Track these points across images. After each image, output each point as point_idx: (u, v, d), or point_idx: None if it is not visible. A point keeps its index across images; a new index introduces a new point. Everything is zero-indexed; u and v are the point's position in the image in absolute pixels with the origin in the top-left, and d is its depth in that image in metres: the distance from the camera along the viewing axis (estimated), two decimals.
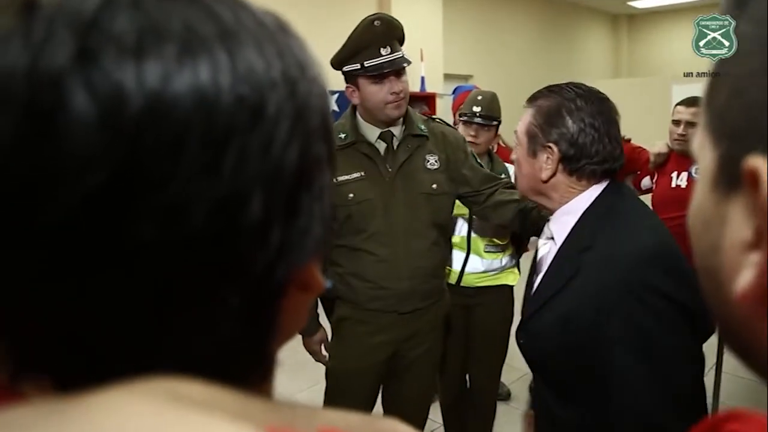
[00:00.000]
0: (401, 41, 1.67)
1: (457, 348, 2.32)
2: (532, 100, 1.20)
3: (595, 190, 1.15)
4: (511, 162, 2.62)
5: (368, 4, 6.44)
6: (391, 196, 1.68)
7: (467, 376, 2.43)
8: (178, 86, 0.25)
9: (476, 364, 2.36)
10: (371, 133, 1.71)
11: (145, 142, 0.24)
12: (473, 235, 2.25)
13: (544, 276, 1.19)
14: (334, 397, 1.80)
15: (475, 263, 2.26)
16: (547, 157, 1.15)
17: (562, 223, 1.16)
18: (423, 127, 1.76)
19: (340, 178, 1.66)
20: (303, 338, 1.82)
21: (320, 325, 1.82)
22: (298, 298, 0.32)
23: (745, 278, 0.28)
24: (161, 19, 0.26)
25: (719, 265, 0.31)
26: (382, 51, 1.60)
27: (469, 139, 2.23)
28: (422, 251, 1.72)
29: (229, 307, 0.27)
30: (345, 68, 1.66)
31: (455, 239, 2.26)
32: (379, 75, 1.61)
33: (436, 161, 1.75)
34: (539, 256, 1.25)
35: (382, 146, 1.72)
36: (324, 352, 1.83)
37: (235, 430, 0.21)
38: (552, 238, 1.19)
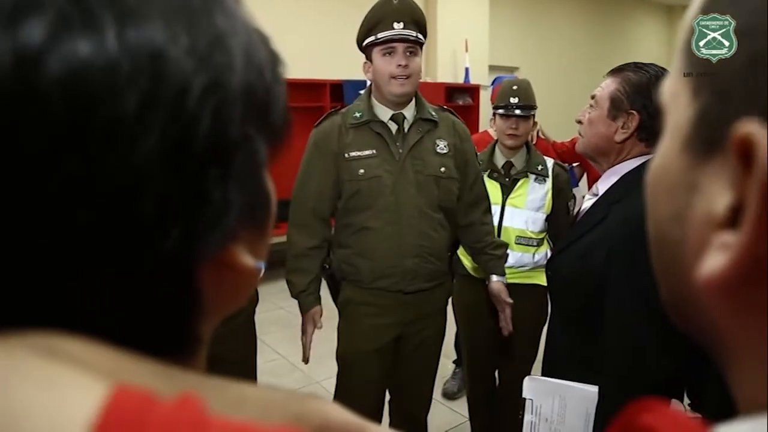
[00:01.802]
0: (419, 26, 1.73)
1: (487, 343, 2.28)
2: (618, 71, 1.35)
3: (640, 160, 1.31)
4: (550, 154, 2.61)
5: None
6: (401, 175, 1.74)
7: (496, 373, 2.42)
8: (50, 62, 0.22)
9: (507, 363, 2.32)
10: (384, 113, 1.77)
11: (13, 120, 0.22)
12: (505, 224, 2.20)
13: (579, 219, 1.41)
14: (344, 381, 1.86)
15: None
16: (624, 123, 1.31)
17: (608, 182, 1.36)
18: (434, 113, 1.82)
19: (353, 154, 1.74)
20: (303, 316, 1.85)
21: (318, 301, 1.84)
22: (225, 277, 0.30)
23: (714, 262, 0.24)
24: None
25: (680, 238, 0.27)
26: (395, 25, 1.68)
27: (509, 132, 2.19)
28: (428, 232, 1.77)
29: (131, 289, 0.26)
30: (364, 43, 1.74)
31: None
32: (389, 47, 1.69)
33: (445, 146, 1.81)
34: (583, 208, 1.44)
35: (393, 127, 1.77)
36: (319, 324, 1.84)
37: (84, 384, 0.21)
38: (596, 195, 1.39)
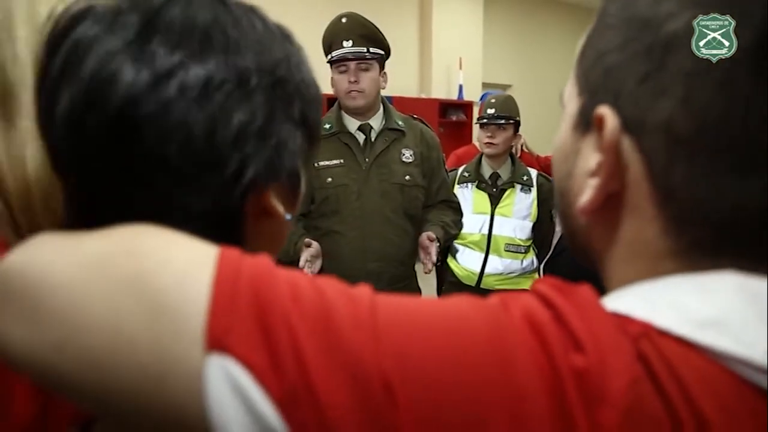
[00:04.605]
0: (370, 39, 1.83)
1: None
2: None
3: None
4: (534, 166, 2.67)
5: (410, 12, 6.48)
6: (366, 183, 1.85)
7: None
8: (192, 71, 0.38)
9: None
10: (352, 124, 1.90)
11: (171, 95, 0.38)
12: (494, 233, 2.29)
13: None
14: None
15: (495, 263, 2.28)
16: None
17: None
18: (401, 122, 1.93)
19: (322, 163, 1.85)
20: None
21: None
22: (264, 222, 0.44)
23: (586, 195, 0.38)
24: (194, 23, 0.39)
25: (570, 188, 0.40)
26: (345, 43, 1.81)
27: (485, 140, 2.31)
28: (392, 237, 1.87)
29: (204, 198, 0.40)
30: (326, 61, 1.87)
31: (474, 237, 2.30)
32: (342, 65, 1.82)
33: (411, 155, 1.91)
34: None
35: (361, 137, 1.89)
36: (313, 248, 1.78)
37: (202, 243, 0.35)
38: None
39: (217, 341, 0.30)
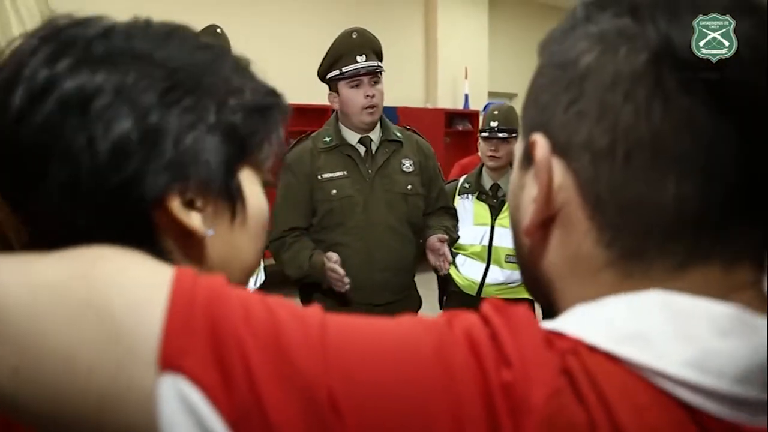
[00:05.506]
0: (378, 54, 1.88)
1: None
2: None
3: None
4: None
5: (416, 22, 6.51)
6: (371, 194, 1.89)
7: None
8: (65, 83, 0.39)
9: None
10: (352, 137, 1.93)
11: (48, 110, 0.39)
12: (495, 244, 2.30)
13: None
14: None
15: (495, 274, 2.29)
16: None
17: None
18: (398, 133, 1.98)
19: (325, 176, 1.87)
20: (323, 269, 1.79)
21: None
22: (195, 241, 0.43)
23: (526, 218, 0.42)
24: (79, 37, 0.40)
25: (520, 217, 0.44)
26: (358, 58, 1.83)
27: (489, 154, 2.31)
28: (396, 246, 1.90)
29: (89, 211, 0.40)
30: (328, 76, 1.88)
31: (475, 248, 2.31)
32: (355, 80, 1.84)
33: (411, 165, 1.96)
34: None
35: (361, 150, 1.93)
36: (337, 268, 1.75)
37: (159, 264, 0.36)
38: None
39: (169, 362, 0.31)
